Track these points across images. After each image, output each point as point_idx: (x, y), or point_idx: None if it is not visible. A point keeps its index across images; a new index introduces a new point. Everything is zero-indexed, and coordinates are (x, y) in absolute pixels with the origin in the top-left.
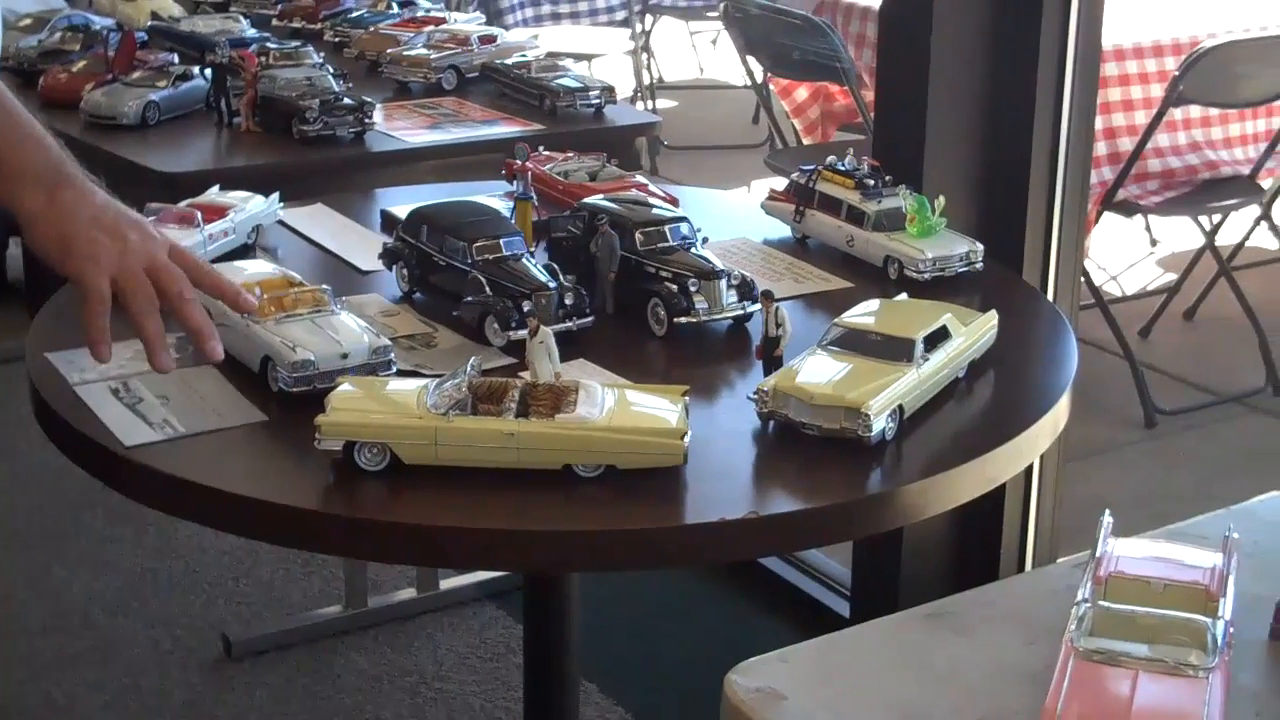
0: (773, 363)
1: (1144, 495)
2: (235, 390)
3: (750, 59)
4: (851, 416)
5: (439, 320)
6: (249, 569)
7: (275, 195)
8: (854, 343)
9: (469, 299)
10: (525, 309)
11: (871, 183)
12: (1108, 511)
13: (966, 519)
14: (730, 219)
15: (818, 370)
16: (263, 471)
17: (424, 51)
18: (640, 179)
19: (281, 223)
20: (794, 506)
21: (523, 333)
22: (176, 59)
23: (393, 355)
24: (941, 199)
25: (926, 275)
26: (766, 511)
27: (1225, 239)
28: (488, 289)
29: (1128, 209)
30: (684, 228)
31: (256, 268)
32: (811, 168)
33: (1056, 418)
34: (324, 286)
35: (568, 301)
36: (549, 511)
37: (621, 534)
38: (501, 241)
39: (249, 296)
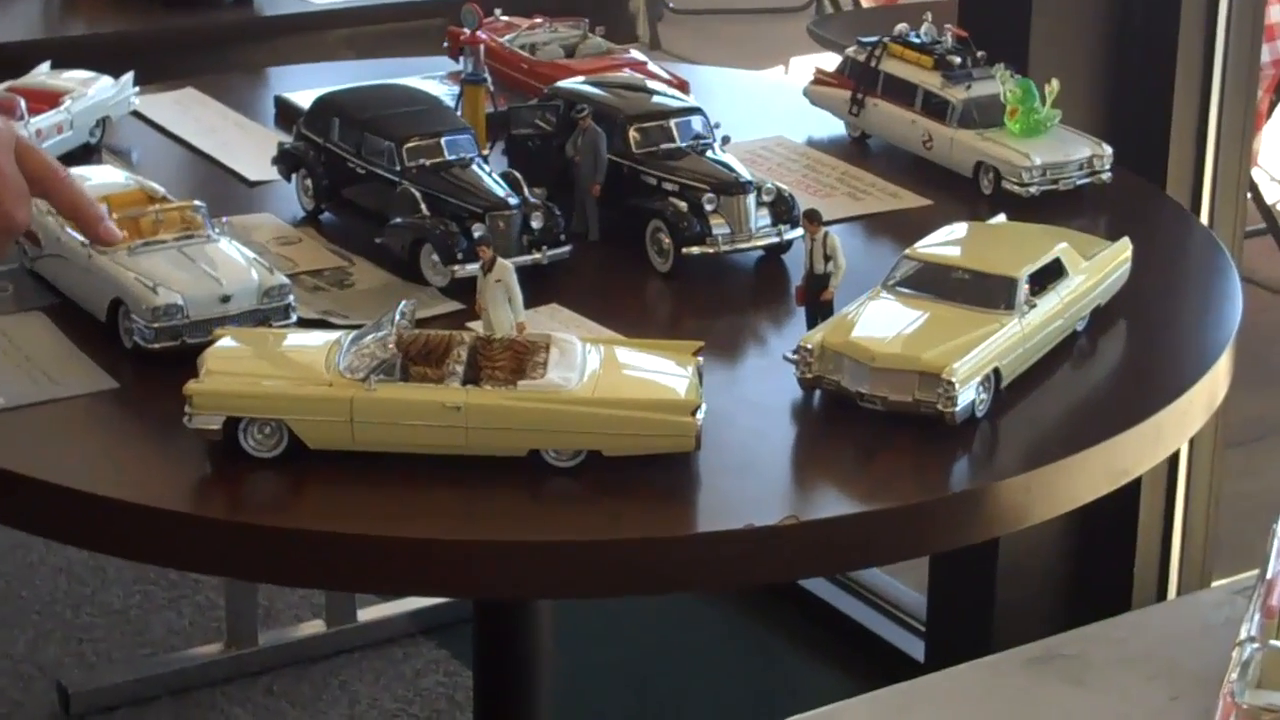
0: (819, 310)
1: None
2: (73, 346)
3: None
4: (928, 385)
5: (356, 250)
6: (93, 594)
7: (128, 77)
8: (932, 283)
9: (398, 221)
10: (476, 235)
11: (958, 61)
12: None
13: (1086, 528)
14: (761, 111)
15: (881, 321)
16: (112, 459)
17: None
18: (636, 54)
19: (137, 114)
20: (848, 509)
21: (473, 268)
22: None
23: (292, 298)
24: (1054, 83)
25: (1033, 189)
26: (810, 516)
27: None
28: (424, 207)
29: None
30: (696, 123)
31: (103, 177)
32: (874, 40)
33: (1213, 388)
34: (196, 203)
35: (534, 224)
36: (508, 515)
37: (608, 546)
38: (443, 141)
39: (113, 226)
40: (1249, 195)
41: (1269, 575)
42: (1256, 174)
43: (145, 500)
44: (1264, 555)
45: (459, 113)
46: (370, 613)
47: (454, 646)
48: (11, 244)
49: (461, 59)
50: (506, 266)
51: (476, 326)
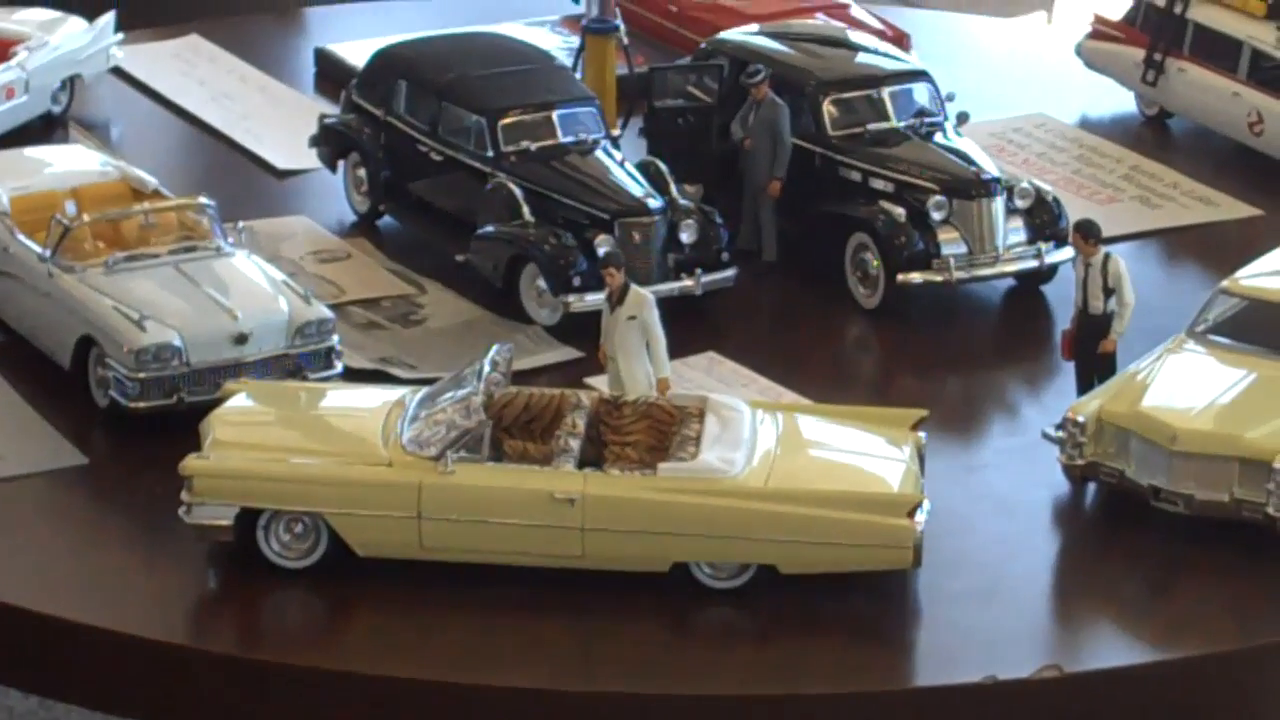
0: (1097, 366)
1: None
2: (22, 402)
3: None
4: (1253, 477)
5: (428, 271)
6: None
7: (108, 18)
8: (1262, 329)
9: (489, 230)
10: (601, 251)
11: None
12: None
13: None
14: (1014, 76)
15: (1187, 384)
16: (78, 568)
17: None
18: None
19: (119, 71)
20: (1134, 658)
21: (597, 298)
22: None
23: (336, 339)
24: None
25: None
26: (1079, 666)
27: None
28: (526, 210)
29: None
30: (920, 93)
31: (70, 162)
32: None
33: None
34: (202, 200)
35: (685, 238)
36: (643, 657)
37: (787, 705)
38: (555, 116)
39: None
40: None
41: None
42: None
43: (122, 628)
44: None
45: (579, 75)
46: None
47: None
48: None
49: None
50: (644, 298)
51: (601, 384)
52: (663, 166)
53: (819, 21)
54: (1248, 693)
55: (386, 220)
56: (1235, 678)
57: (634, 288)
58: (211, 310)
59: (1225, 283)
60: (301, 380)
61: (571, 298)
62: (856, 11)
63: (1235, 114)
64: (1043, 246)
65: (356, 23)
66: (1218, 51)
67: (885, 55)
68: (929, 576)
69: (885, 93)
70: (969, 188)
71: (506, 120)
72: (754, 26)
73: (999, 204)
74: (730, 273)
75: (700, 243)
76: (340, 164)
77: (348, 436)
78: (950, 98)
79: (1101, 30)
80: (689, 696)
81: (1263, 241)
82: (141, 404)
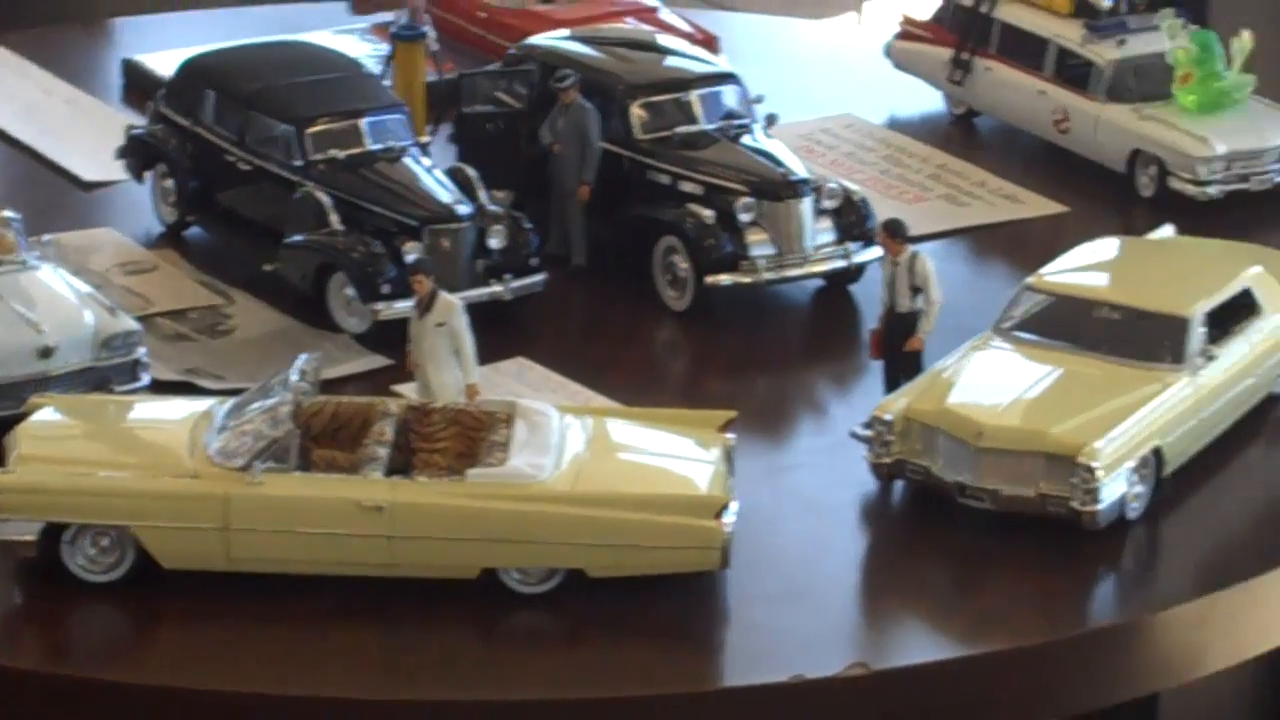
0: (903, 365)
1: None
2: None
3: None
4: (1058, 472)
5: (236, 281)
6: None
7: None
8: (1065, 325)
9: (297, 239)
10: (410, 259)
11: (1106, 5)
12: None
13: None
14: (823, 77)
15: (992, 380)
16: None
17: None
18: None
19: None
20: (941, 654)
21: (405, 306)
22: None
23: (143, 351)
24: (1245, 37)
25: (1214, 189)
26: (887, 664)
27: None
28: (334, 218)
29: None
30: (729, 96)
31: None
32: None
33: None
34: (7, 214)
35: (494, 244)
36: (452, 665)
37: (596, 710)
38: (363, 124)
39: None
40: None
41: None
42: None
43: None
44: None
45: (388, 82)
46: None
47: None
48: None
49: (397, 9)
50: (453, 305)
51: (409, 391)
52: (471, 173)
53: (628, 26)
54: (1054, 686)
55: (194, 231)
56: (1041, 671)
57: (442, 294)
58: (16, 324)
59: (1031, 279)
60: (108, 393)
61: (380, 305)
62: (665, 15)
63: (1041, 112)
64: (850, 246)
65: (165, 33)
66: (1024, 50)
67: (694, 58)
68: (737, 577)
69: (693, 96)
70: (777, 189)
71: (314, 128)
72: (564, 31)
73: (807, 205)
74: (539, 278)
75: (509, 248)
76: (147, 175)
77: (154, 449)
78: (759, 99)
79: (909, 30)
80: (498, 702)
81: (1068, 238)
82: None
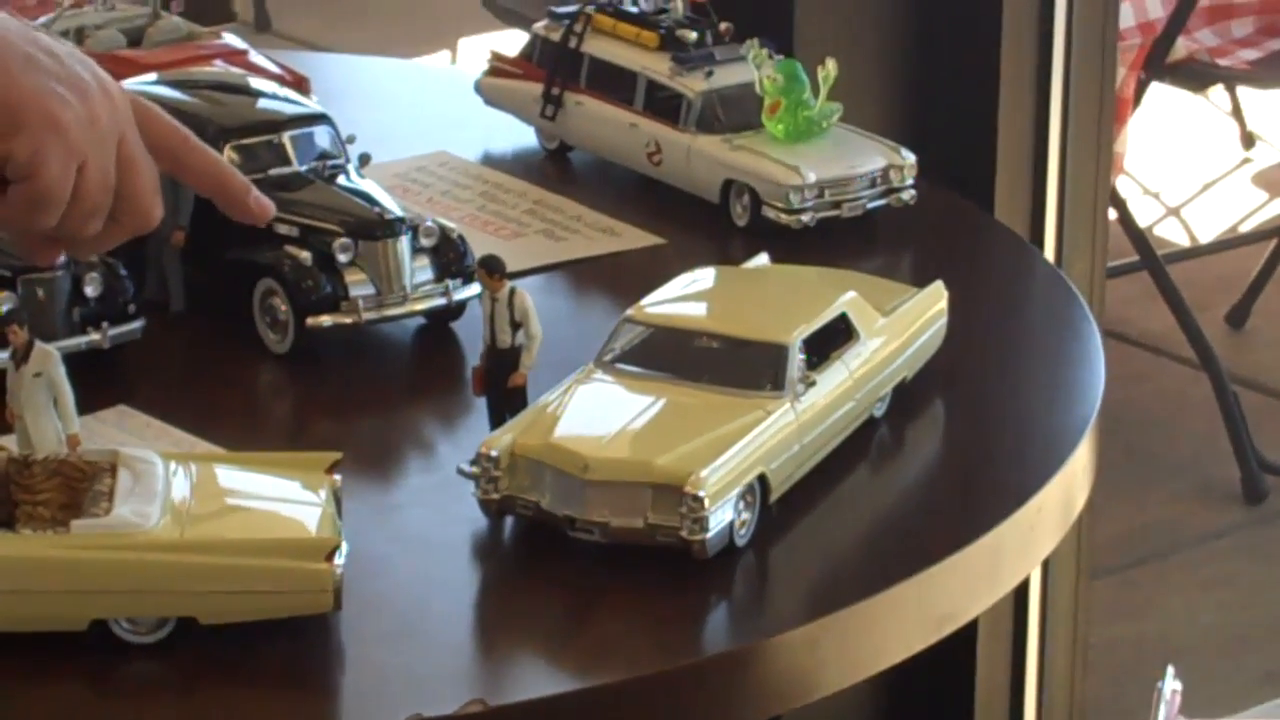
0: (507, 400)
1: (1243, 632)
2: None
3: None
4: (665, 502)
5: None
6: None
7: None
8: (666, 356)
9: None
10: (2, 310)
11: (693, 37)
12: (1171, 670)
13: (902, 697)
14: (416, 116)
15: (596, 413)
16: None
17: None
18: (232, 40)
19: None
20: (556, 687)
21: (1, 356)
22: None
23: None
24: (830, 66)
25: (806, 216)
26: (502, 699)
27: None
28: None
29: (1197, 75)
30: (321, 136)
31: None
32: (573, 9)
33: (1068, 492)
34: None
35: (89, 291)
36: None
37: None
38: None
39: (264, 197)
40: (1113, 216)
41: None
42: (1122, 184)
43: None
44: None
45: None
46: None
47: None
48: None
49: None
50: (49, 354)
51: (10, 443)
52: None
53: (219, 68)
54: (671, 714)
55: None
56: (657, 700)
57: (38, 344)
58: None
59: (630, 311)
60: None
61: None
62: (255, 57)
63: (634, 145)
64: (450, 284)
65: None
66: (614, 84)
67: (286, 100)
68: (351, 619)
69: (286, 137)
70: (373, 229)
71: None
72: (152, 76)
73: (404, 244)
74: (138, 324)
75: (105, 295)
76: None
77: None
78: (351, 139)
79: (499, 67)
80: None
81: (665, 269)
82: None
